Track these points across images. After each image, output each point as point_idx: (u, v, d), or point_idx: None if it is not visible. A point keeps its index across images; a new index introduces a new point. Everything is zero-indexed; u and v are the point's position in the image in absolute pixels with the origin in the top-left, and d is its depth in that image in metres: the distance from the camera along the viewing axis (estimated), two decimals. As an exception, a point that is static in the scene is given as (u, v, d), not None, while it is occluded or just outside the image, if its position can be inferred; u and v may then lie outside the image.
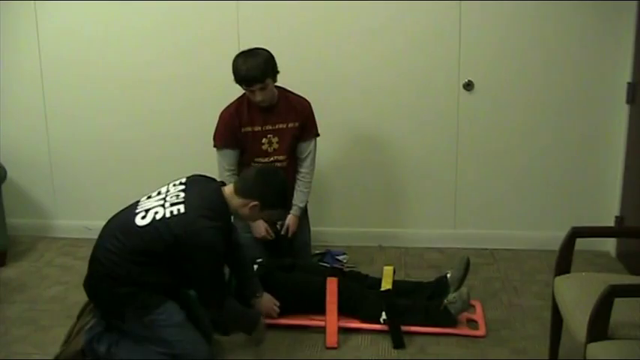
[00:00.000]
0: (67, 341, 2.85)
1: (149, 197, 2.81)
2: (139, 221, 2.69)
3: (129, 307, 2.69)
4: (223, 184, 2.87)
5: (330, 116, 3.81)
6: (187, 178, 2.86)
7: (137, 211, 2.74)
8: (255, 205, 2.75)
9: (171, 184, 2.84)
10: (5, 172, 3.91)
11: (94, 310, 2.88)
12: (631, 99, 3.71)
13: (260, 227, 3.49)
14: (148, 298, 2.69)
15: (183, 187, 2.78)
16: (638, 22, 3.61)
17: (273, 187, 2.81)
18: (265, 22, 3.91)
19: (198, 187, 2.80)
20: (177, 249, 2.62)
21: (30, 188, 4.38)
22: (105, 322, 2.82)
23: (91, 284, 2.80)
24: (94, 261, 2.77)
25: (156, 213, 2.68)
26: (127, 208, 2.84)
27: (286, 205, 2.99)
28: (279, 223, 3.54)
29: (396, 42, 3.88)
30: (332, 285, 3.17)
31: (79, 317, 2.91)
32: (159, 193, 2.81)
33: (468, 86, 3.87)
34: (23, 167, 4.29)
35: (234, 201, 2.77)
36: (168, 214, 2.65)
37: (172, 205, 2.68)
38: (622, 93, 3.74)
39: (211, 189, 2.79)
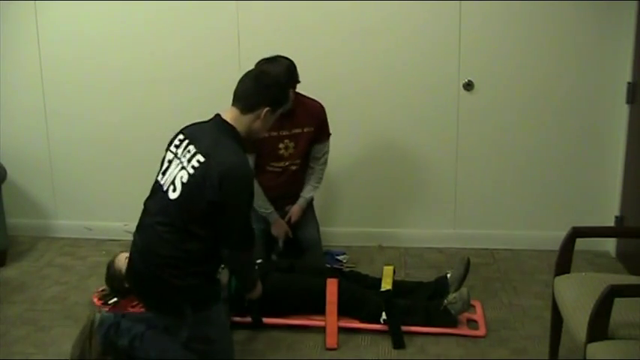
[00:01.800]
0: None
1: (164, 173, 2.69)
2: (172, 195, 2.60)
3: (189, 300, 2.61)
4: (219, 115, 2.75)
5: (329, 116, 3.80)
6: (182, 133, 2.74)
7: (165, 189, 2.64)
8: (267, 111, 2.68)
9: (172, 147, 2.72)
10: (5, 172, 3.91)
11: (96, 310, 2.84)
12: (631, 99, 3.71)
13: (281, 228, 3.55)
14: (207, 292, 2.66)
15: (187, 141, 2.68)
16: (638, 22, 3.61)
17: (273, 84, 2.77)
18: (265, 23, 3.91)
19: (200, 130, 2.71)
20: (215, 196, 2.51)
21: (30, 188, 4.38)
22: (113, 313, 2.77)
23: (145, 281, 2.67)
24: (143, 255, 2.65)
25: (182, 178, 2.59)
26: (151, 195, 2.73)
27: (288, 97, 2.94)
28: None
29: (396, 42, 3.87)
30: (332, 285, 3.17)
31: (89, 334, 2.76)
32: (170, 162, 2.69)
33: (468, 86, 3.87)
34: (23, 167, 4.28)
35: (243, 121, 2.67)
36: (191, 171, 2.57)
37: (189, 161, 2.60)
38: (622, 93, 3.74)
39: (212, 124, 2.71)
